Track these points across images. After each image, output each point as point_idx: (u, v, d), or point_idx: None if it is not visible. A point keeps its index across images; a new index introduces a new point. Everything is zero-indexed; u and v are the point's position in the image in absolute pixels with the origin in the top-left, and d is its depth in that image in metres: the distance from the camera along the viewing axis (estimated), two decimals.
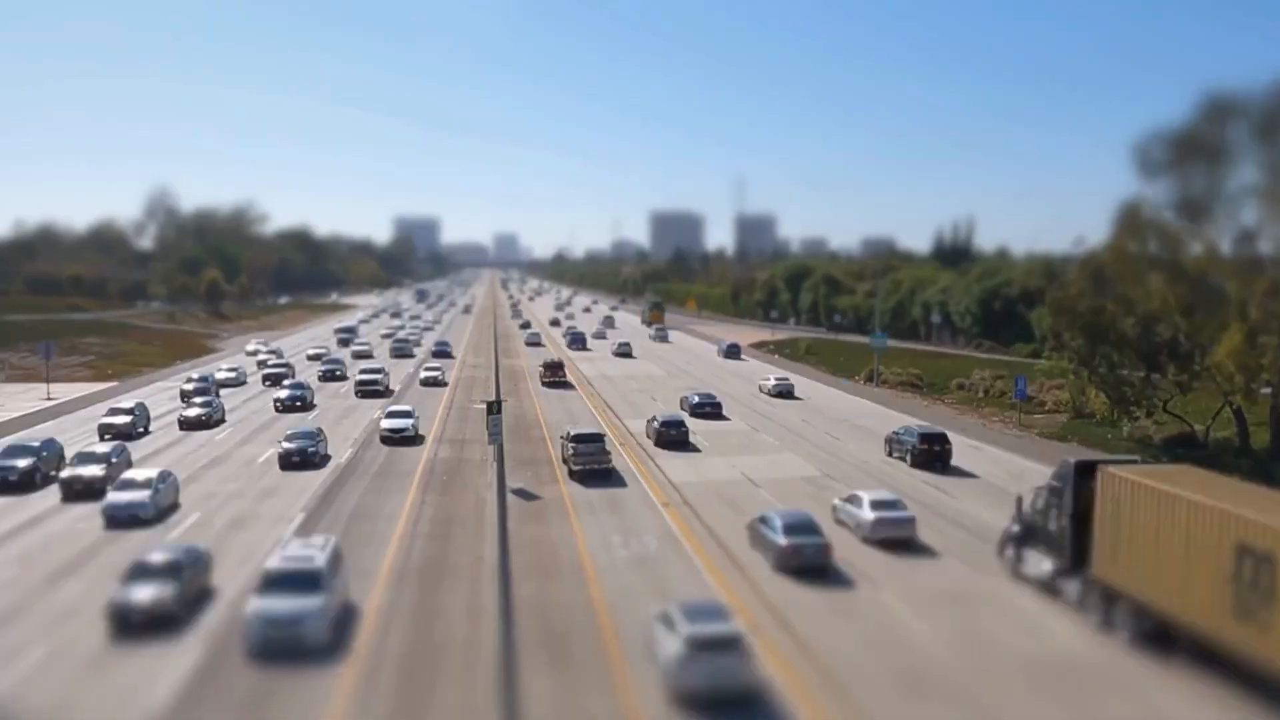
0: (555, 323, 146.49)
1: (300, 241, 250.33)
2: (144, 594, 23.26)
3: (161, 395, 67.68)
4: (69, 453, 41.51)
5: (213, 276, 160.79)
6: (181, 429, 52.61)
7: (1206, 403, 49.57)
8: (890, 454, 45.74)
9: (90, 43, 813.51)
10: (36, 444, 41.11)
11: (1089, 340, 47.38)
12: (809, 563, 27.69)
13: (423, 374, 75.21)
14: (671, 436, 47.99)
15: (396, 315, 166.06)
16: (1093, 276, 47.46)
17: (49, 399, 65.74)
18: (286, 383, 67.42)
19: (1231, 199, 43.25)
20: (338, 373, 77.68)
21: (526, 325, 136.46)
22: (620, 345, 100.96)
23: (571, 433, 42.43)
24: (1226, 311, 42.85)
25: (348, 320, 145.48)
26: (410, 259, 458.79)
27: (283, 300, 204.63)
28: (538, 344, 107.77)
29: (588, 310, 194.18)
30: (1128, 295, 45.73)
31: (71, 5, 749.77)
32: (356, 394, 66.51)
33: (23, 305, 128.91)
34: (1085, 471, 25.33)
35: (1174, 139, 43.77)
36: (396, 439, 48.08)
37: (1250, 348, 41.13)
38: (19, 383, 75.14)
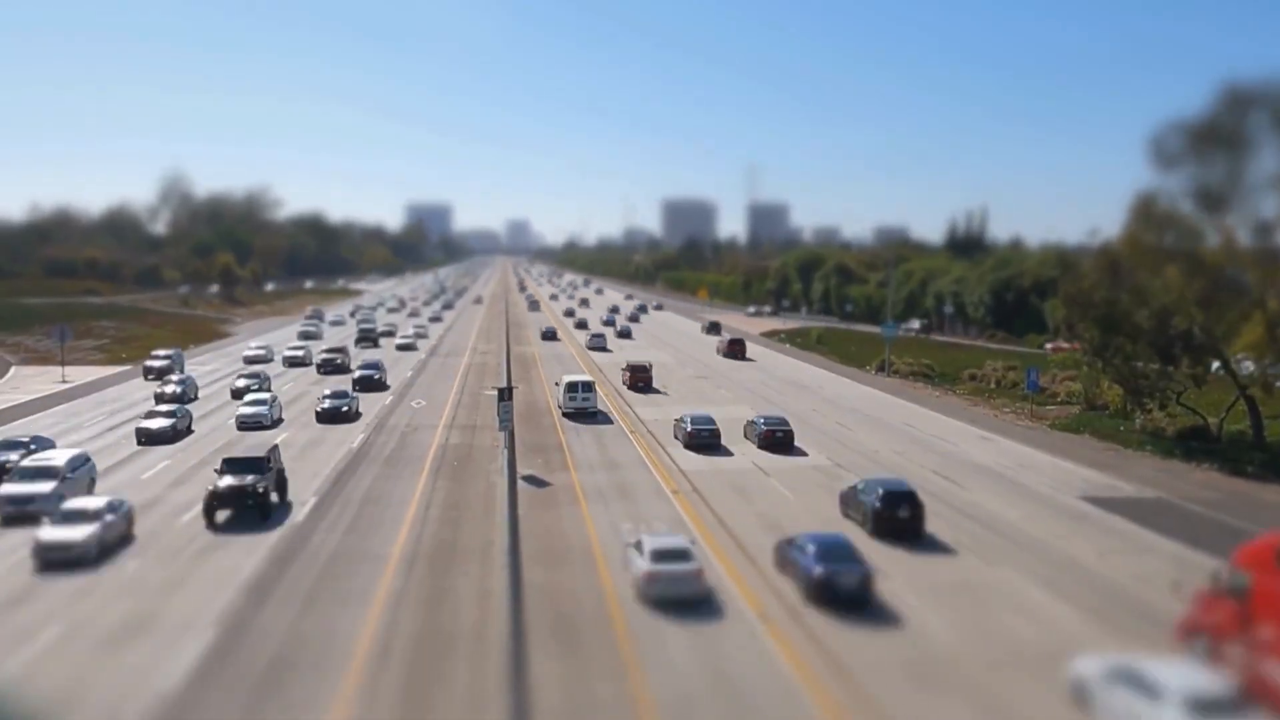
0: None
1: (313, 227, 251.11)
2: None
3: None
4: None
5: (225, 261, 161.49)
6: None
7: (1220, 395, 49.30)
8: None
9: (109, 30, 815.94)
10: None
11: (1102, 332, 47.12)
12: None
13: None
14: None
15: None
16: (1108, 268, 47.14)
17: (64, 382, 66.21)
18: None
19: (1250, 190, 42.90)
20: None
21: None
22: None
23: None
24: (1244, 303, 42.55)
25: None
26: (422, 245, 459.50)
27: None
28: None
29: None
30: (1142, 287, 45.43)
31: None
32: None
33: (38, 289, 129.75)
34: None
35: (1192, 129, 43.37)
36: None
37: (1272, 338, 40.85)
38: (34, 365, 75.75)
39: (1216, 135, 42.77)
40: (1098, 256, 49.73)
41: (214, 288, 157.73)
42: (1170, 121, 44.08)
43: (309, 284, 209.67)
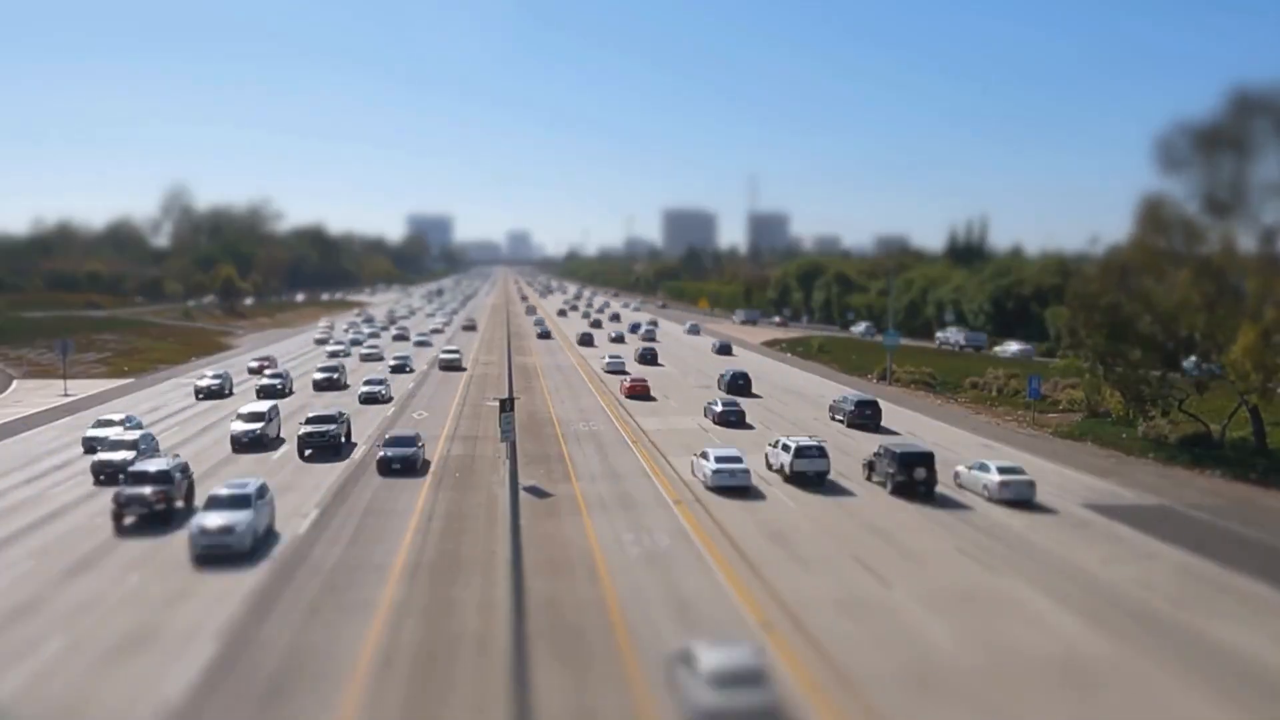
0: None
1: (314, 239, 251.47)
2: None
3: (178, 391, 68.39)
4: None
5: (227, 273, 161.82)
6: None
7: (1222, 402, 49.25)
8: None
9: (110, 44, 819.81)
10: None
11: (1107, 337, 47.06)
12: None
13: None
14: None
15: None
16: (1116, 272, 47.04)
17: (66, 395, 66.26)
18: None
19: (1255, 195, 42.94)
20: None
21: None
22: None
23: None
24: (1243, 309, 42.56)
25: None
26: (424, 256, 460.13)
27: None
28: None
29: None
30: (1148, 292, 45.36)
31: (94, 5, 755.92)
32: None
33: (40, 302, 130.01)
34: None
35: (1198, 133, 43.38)
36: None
37: (1266, 346, 40.86)
38: (36, 379, 75.84)
39: (1223, 139, 42.81)
40: (1105, 261, 49.67)
41: (208, 298, 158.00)
42: (1177, 124, 44.12)
43: (299, 297, 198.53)
